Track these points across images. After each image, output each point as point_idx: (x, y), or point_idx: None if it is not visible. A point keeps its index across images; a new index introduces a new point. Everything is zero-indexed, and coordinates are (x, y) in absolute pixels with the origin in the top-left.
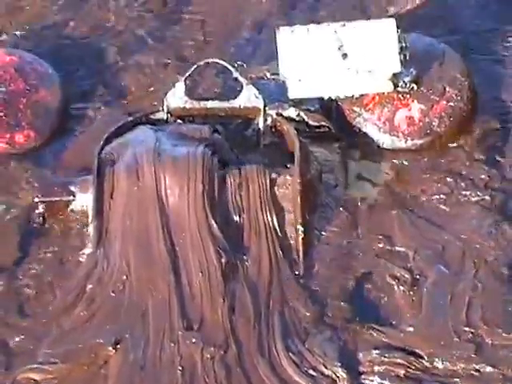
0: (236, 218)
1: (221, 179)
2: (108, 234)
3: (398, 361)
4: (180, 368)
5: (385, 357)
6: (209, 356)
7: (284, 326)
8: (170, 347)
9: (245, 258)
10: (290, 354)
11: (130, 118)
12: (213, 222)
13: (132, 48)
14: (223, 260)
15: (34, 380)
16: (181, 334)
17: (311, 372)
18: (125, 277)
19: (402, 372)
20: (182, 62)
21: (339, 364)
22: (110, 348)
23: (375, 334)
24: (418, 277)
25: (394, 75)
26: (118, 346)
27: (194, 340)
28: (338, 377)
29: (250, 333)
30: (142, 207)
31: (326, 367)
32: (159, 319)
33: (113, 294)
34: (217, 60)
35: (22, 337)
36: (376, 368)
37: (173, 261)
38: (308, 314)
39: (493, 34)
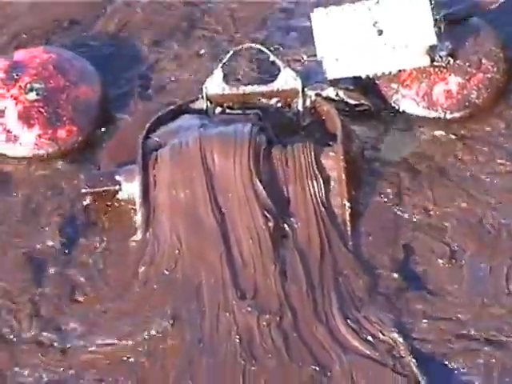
0: (282, 188)
1: (267, 153)
2: (156, 215)
3: (446, 328)
4: (237, 337)
5: (435, 325)
6: (265, 323)
7: (339, 295)
8: (225, 318)
9: (293, 221)
10: (348, 321)
11: (171, 107)
12: (259, 184)
13: (164, 40)
14: (270, 224)
15: (91, 363)
16: (235, 304)
17: (369, 338)
18: (177, 251)
19: (451, 338)
20: (215, 50)
21: (396, 330)
22: (168, 324)
23: (425, 304)
24: (456, 249)
25: (431, 49)
26: (176, 323)
27: (249, 309)
28: (395, 342)
29: (303, 299)
30: (187, 178)
31: (382, 334)
32: (213, 291)
33: (166, 272)
34: (253, 44)
35: (77, 322)
36: (428, 336)
37: (222, 229)
38: (361, 284)
39: None
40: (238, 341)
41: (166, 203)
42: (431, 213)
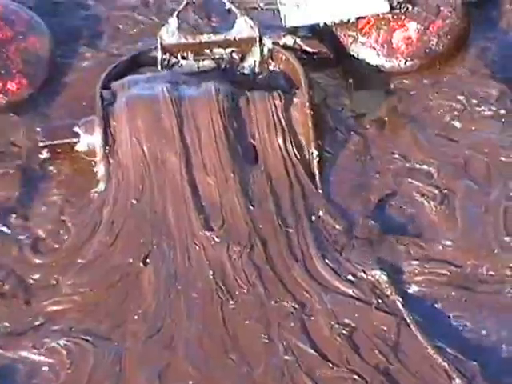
0: (251, 137)
1: (234, 105)
2: (119, 161)
3: (440, 271)
4: (211, 272)
5: (425, 267)
6: (235, 257)
7: (315, 235)
8: (196, 252)
9: (261, 166)
10: (326, 260)
11: (125, 58)
12: (230, 132)
13: None
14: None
15: (61, 311)
16: (203, 235)
17: (350, 277)
18: (140, 186)
19: (444, 280)
20: (167, 4)
21: (378, 267)
22: (141, 264)
23: (414, 247)
24: (445, 192)
25: None
26: (148, 261)
27: (217, 240)
28: (378, 280)
29: (276, 232)
30: (155, 127)
31: (365, 273)
32: (180, 224)
33: (131, 208)
34: None
35: (41, 274)
36: (416, 278)
37: (187, 164)
38: (338, 227)
39: None
40: (211, 277)
41: (129, 150)
42: (411, 159)
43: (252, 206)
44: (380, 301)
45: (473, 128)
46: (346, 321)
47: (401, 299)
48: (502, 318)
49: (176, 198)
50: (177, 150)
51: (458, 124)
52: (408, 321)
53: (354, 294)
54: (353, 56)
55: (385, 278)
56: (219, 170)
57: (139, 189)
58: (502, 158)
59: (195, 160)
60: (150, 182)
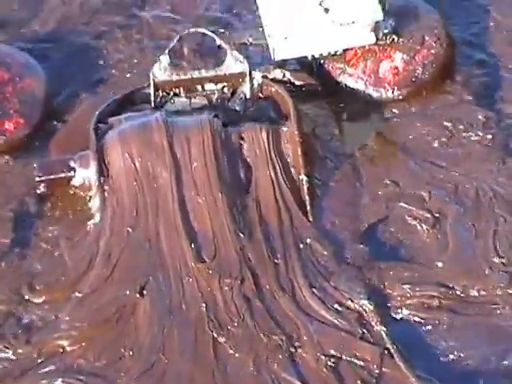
0: (241, 169)
1: (225, 137)
2: (113, 190)
3: (431, 293)
4: (204, 305)
5: (416, 290)
6: (227, 288)
7: (303, 263)
8: (189, 284)
9: (252, 195)
10: (314, 289)
11: (119, 96)
12: (220, 162)
13: (104, 33)
14: (229, 193)
15: (62, 347)
16: (195, 267)
17: (337, 307)
18: (134, 210)
19: (435, 303)
20: (157, 40)
21: (366, 297)
22: (137, 295)
23: (404, 271)
24: (437, 215)
25: (376, 26)
26: (144, 292)
27: (209, 271)
28: (364, 310)
29: (265, 263)
30: (147, 154)
31: (352, 301)
32: (174, 254)
33: (127, 237)
34: (199, 29)
35: (39, 311)
36: (408, 301)
37: (179, 192)
38: (326, 253)
39: None
40: (204, 309)
41: (122, 168)
42: (401, 184)
43: (242, 233)
44: (365, 331)
45: (460, 153)
46: (332, 352)
47: (385, 329)
48: (493, 343)
49: (168, 224)
50: (167, 165)
51: (446, 150)
52: (392, 351)
53: (339, 324)
54: (341, 87)
55: (371, 307)
56: (208, 189)
57: (134, 214)
58: (490, 182)
59: (185, 176)
60: (143, 202)
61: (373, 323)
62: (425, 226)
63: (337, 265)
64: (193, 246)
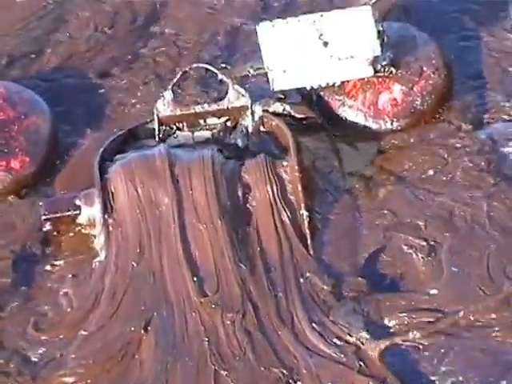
0: (242, 201)
1: (226, 171)
2: (116, 222)
3: (427, 319)
4: (206, 339)
5: (413, 317)
6: (229, 322)
7: (303, 298)
8: (192, 318)
9: (253, 228)
10: (313, 323)
11: (123, 131)
12: (221, 196)
13: (110, 69)
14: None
15: None
16: (198, 301)
17: (335, 341)
18: (138, 242)
19: (432, 329)
20: (160, 76)
21: (364, 330)
22: (142, 331)
23: (400, 300)
24: (433, 244)
25: (374, 59)
26: (149, 328)
27: (212, 306)
28: (362, 342)
29: (266, 296)
30: (149, 188)
31: (350, 336)
32: (177, 289)
33: (131, 271)
34: (202, 64)
35: (45, 349)
36: (404, 328)
37: (180, 225)
38: (326, 288)
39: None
40: (206, 343)
41: (125, 197)
42: (398, 214)
43: (243, 264)
44: (362, 364)
45: (455, 180)
46: None
47: (383, 363)
48: (491, 365)
49: (171, 253)
50: (169, 192)
51: (441, 178)
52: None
53: (337, 358)
54: (341, 119)
55: (368, 337)
56: (208, 216)
57: (137, 245)
58: (484, 207)
59: (186, 203)
60: (146, 230)
61: (370, 355)
62: (420, 255)
63: (335, 299)
64: (195, 278)
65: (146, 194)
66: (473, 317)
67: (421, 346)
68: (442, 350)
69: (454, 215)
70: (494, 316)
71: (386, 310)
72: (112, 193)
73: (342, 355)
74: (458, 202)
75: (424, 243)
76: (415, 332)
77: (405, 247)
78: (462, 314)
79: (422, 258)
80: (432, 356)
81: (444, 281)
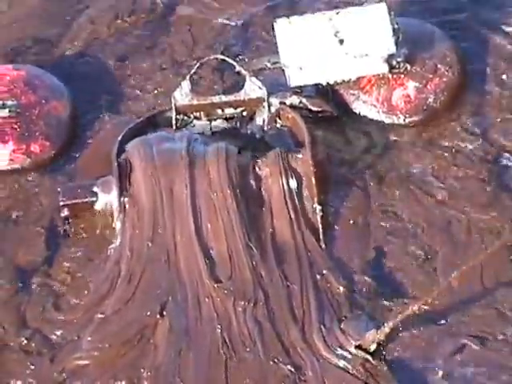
0: (257, 194)
1: (242, 164)
2: (132, 200)
3: (427, 327)
4: (219, 327)
5: (420, 330)
6: (240, 309)
7: (319, 296)
8: (206, 304)
9: (267, 222)
10: (322, 327)
11: (141, 119)
12: (237, 192)
13: (129, 55)
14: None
15: (82, 367)
16: (212, 287)
17: (343, 352)
18: (152, 221)
19: (433, 333)
20: (177, 63)
21: (374, 341)
22: (158, 316)
23: (400, 307)
24: (429, 251)
25: (389, 56)
26: (164, 313)
27: (225, 292)
28: (371, 354)
29: (277, 286)
30: (168, 180)
31: (360, 348)
32: (191, 273)
33: (147, 252)
34: (221, 56)
35: (62, 330)
36: (401, 334)
37: (196, 220)
38: (341, 289)
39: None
40: (219, 331)
41: (142, 182)
42: (400, 217)
43: (253, 246)
44: (368, 375)
45: (456, 187)
46: None
47: (391, 375)
48: (494, 376)
49: (184, 231)
50: (186, 181)
51: (443, 183)
52: None
53: (344, 366)
54: (355, 113)
55: (376, 350)
56: (221, 197)
57: (152, 223)
58: (482, 217)
59: (200, 187)
60: (161, 207)
61: (379, 369)
62: (415, 262)
63: (349, 304)
64: (208, 261)
65: (163, 178)
66: (473, 328)
67: (422, 358)
68: (443, 362)
69: (451, 224)
70: (488, 330)
71: (388, 317)
72: (129, 171)
73: (350, 365)
74: (457, 211)
75: (420, 251)
76: (419, 345)
77: (403, 253)
78: (460, 321)
79: (418, 265)
80: (434, 369)
81: (440, 290)
